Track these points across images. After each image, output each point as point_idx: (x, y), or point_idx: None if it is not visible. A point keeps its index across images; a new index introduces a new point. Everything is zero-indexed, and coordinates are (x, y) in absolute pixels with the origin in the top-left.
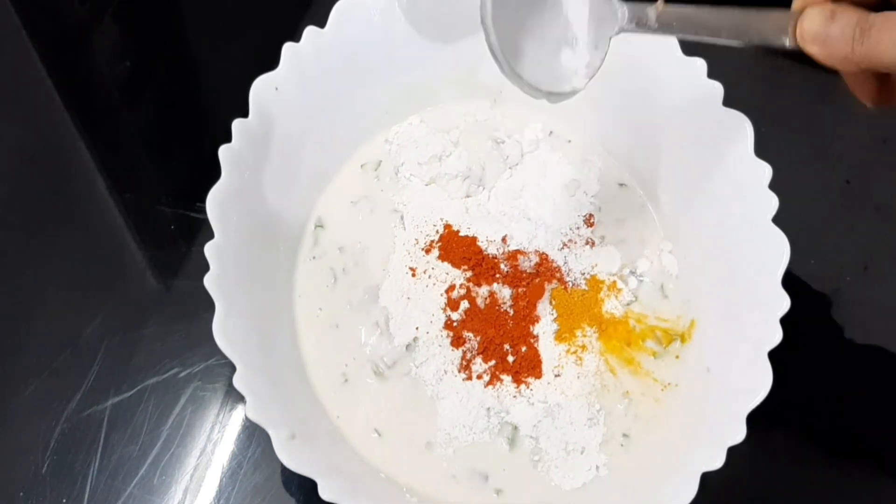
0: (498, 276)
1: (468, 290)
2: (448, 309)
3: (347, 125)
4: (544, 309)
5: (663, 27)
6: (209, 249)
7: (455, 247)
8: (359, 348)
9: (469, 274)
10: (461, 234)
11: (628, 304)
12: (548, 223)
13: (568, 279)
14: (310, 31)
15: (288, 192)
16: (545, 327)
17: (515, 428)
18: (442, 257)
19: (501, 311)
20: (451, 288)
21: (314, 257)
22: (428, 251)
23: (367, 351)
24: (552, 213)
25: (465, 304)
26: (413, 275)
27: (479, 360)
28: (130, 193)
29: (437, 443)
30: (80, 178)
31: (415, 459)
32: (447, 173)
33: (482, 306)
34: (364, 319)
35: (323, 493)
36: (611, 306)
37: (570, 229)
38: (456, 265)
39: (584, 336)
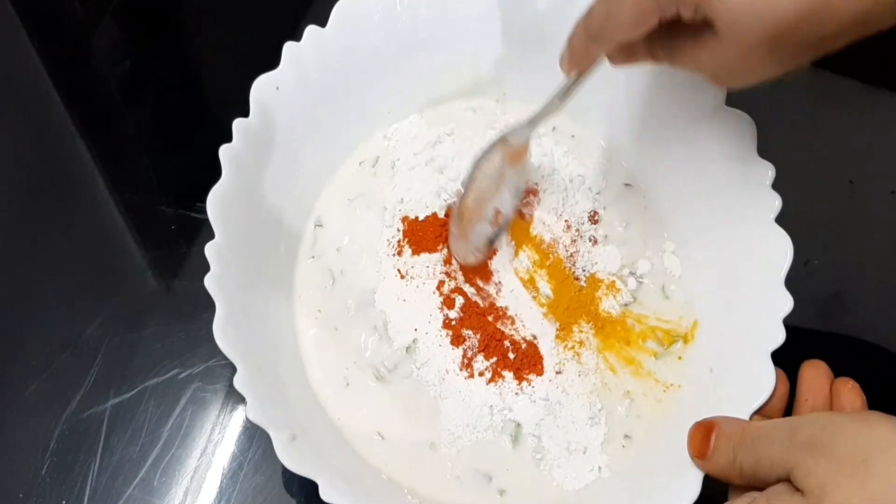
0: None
1: (457, 284)
2: (445, 308)
3: (349, 124)
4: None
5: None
6: (209, 249)
7: (421, 234)
8: (359, 352)
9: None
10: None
11: (626, 305)
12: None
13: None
14: (310, 31)
15: (288, 192)
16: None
17: (518, 425)
18: (416, 251)
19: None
20: (441, 284)
21: (313, 257)
22: (400, 253)
23: (367, 355)
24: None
25: (460, 301)
26: (402, 277)
27: (480, 357)
28: (130, 193)
29: (441, 443)
30: (80, 178)
31: (418, 460)
32: (447, 166)
33: (476, 301)
34: (362, 323)
35: (324, 495)
36: (608, 305)
37: (576, 225)
38: (431, 249)
39: (581, 332)
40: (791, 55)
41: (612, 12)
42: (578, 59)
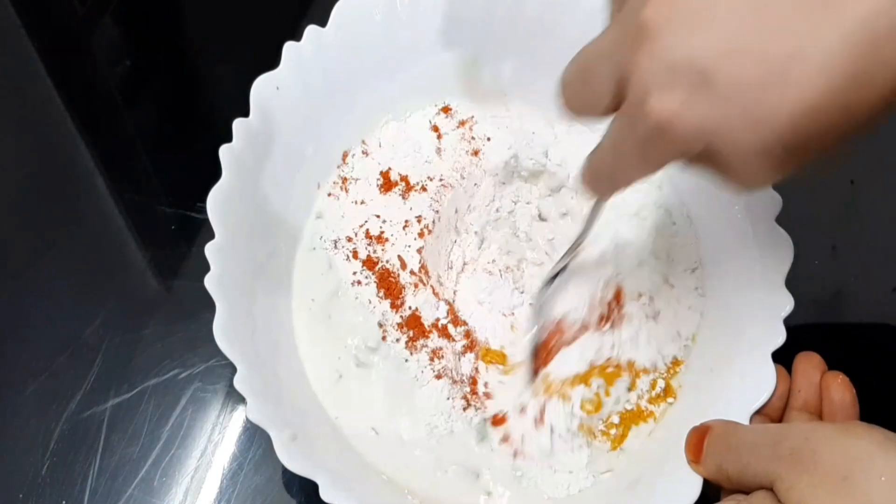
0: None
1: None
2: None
3: (349, 124)
4: None
5: None
6: (209, 249)
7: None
8: (347, 337)
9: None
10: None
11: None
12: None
13: None
14: (311, 31)
15: (289, 192)
16: None
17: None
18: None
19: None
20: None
21: (314, 248)
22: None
23: (350, 341)
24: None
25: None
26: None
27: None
28: (130, 193)
29: (419, 434)
30: (80, 178)
31: (406, 454)
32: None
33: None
34: (350, 304)
35: (324, 495)
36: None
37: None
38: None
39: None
40: (803, 160)
41: (618, 168)
42: (599, 191)
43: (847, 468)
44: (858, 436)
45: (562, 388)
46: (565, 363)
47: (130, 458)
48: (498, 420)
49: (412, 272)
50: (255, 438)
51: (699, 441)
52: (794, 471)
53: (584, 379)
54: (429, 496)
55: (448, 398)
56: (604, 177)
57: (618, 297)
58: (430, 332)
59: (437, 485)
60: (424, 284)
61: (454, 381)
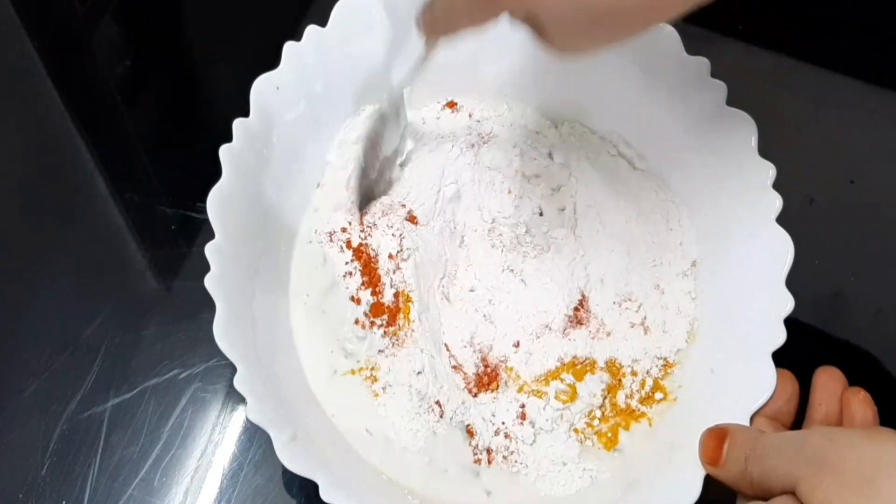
0: None
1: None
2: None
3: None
4: None
5: None
6: (209, 249)
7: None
8: (340, 328)
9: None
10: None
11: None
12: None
13: None
14: (311, 31)
15: (288, 192)
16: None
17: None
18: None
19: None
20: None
21: (310, 242)
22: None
23: (341, 334)
24: None
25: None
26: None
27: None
28: (130, 193)
29: (406, 438)
30: (80, 178)
31: (400, 456)
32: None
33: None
34: (342, 296)
35: (324, 495)
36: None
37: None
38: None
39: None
40: (614, 31)
41: (450, 19)
42: (430, 31)
43: (871, 471)
44: (882, 440)
45: (536, 386)
46: (534, 362)
47: (130, 458)
48: (469, 430)
49: (390, 255)
50: (255, 438)
51: (718, 445)
52: (817, 473)
53: (554, 375)
54: (428, 496)
55: (418, 406)
56: (438, 24)
57: (582, 303)
58: (400, 317)
59: (437, 484)
60: (399, 269)
61: (420, 396)
